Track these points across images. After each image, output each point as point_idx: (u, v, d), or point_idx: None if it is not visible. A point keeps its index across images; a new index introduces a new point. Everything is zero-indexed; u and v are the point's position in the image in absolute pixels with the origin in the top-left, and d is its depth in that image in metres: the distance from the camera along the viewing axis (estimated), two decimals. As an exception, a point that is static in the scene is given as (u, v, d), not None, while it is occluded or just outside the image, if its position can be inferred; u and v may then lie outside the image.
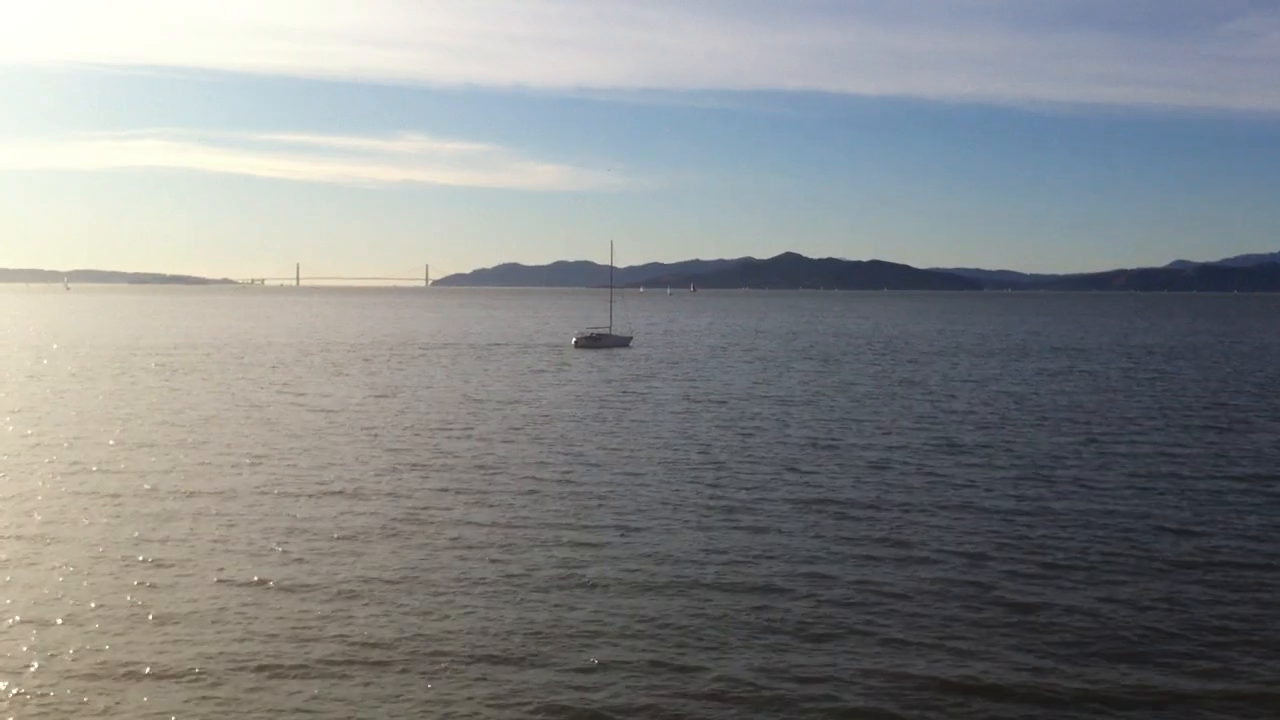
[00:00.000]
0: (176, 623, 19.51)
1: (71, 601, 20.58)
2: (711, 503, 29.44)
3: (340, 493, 30.57)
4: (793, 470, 34.31)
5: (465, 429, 43.74)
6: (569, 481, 32.38)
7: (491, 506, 28.87)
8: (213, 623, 19.53)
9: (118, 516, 27.44)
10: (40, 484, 31.49)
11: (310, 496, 30.01)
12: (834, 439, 41.19)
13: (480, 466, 34.86)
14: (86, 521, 26.86)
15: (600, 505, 29.07)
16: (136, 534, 25.64)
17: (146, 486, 31.13)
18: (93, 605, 20.36)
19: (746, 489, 31.30)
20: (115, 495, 30.02)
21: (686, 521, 27.25)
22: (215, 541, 25.01)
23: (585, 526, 26.64)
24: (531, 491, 30.85)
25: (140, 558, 23.57)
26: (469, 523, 26.93)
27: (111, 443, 39.25)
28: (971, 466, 35.23)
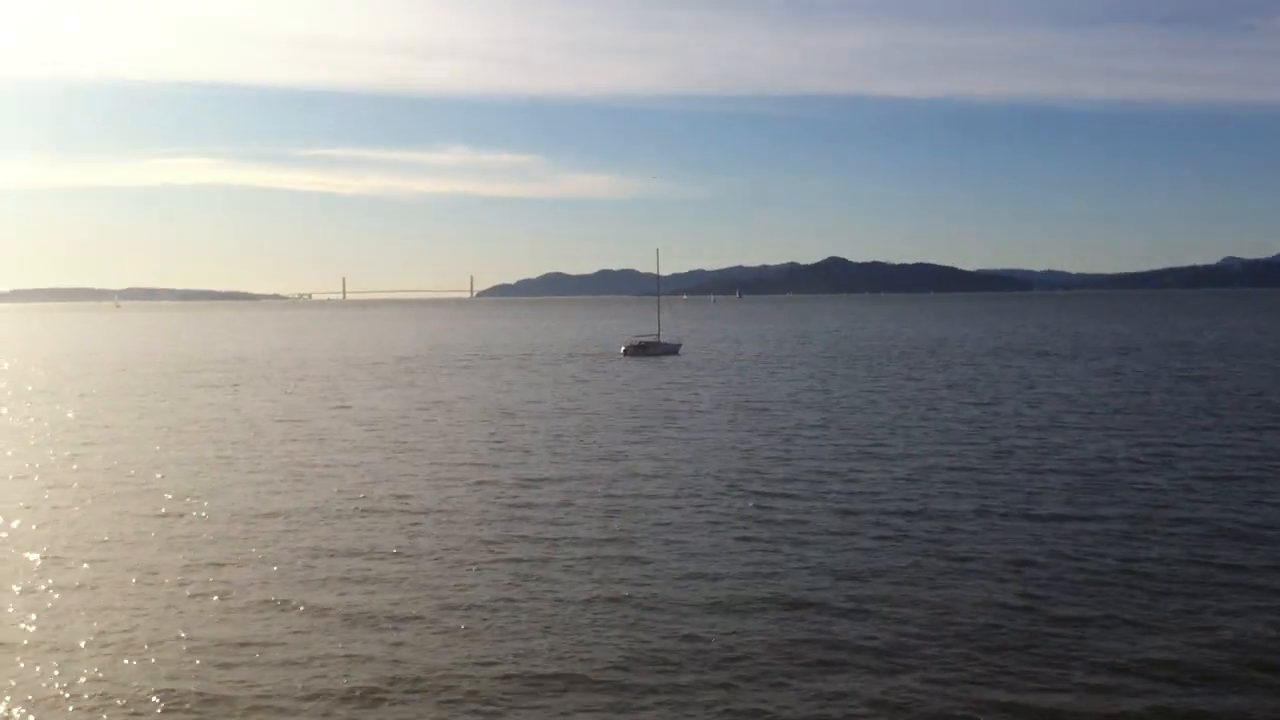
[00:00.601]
0: (225, 647, 19.56)
1: (121, 625, 20.70)
2: (771, 516, 29.22)
3: (405, 510, 30.57)
4: (842, 477, 33.98)
5: (523, 444, 43.52)
6: (632, 495, 32.21)
7: (545, 523, 28.77)
8: (264, 646, 19.57)
9: (170, 538, 27.59)
10: (84, 505, 31.77)
11: (366, 514, 30.05)
12: (906, 449, 40.78)
13: (533, 480, 34.77)
14: (137, 541, 27.04)
15: (658, 522, 28.90)
16: (187, 558, 25.76)
17: (197, 506, 31.31)
18: (146, 629, 20.47)
19: (796, 498, 31.03)
20: (164, 515, 30.22)
21: (752, 537, 27.04)
22: (264, 562, 25.09)
23: (633, 540, 26.49)
24: (591, 507, 30.69)
25: (192, 580, 23.68)
26: (529, 539, 26.85)
27: (165, 461, 39.57)
28: (1019, 472, 34.76)
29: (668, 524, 28.49)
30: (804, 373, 79.90)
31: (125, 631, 20.44)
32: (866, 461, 38.00)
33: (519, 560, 25.03)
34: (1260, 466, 35.86)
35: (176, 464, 39.37)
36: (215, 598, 22.50)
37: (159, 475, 36.98)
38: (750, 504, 30.85)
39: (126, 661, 18.94)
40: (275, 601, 22.19)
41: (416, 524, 28.94)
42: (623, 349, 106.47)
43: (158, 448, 43.73)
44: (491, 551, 25.89)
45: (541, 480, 35.05)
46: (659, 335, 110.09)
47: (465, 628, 20.45)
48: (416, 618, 21.03)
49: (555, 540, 26.86)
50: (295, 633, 20.41)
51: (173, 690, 17.66)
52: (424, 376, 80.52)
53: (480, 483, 34.80)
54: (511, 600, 22.05)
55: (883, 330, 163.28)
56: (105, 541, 27.34)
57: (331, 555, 25.81)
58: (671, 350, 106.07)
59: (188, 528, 28.92)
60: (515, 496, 32.50)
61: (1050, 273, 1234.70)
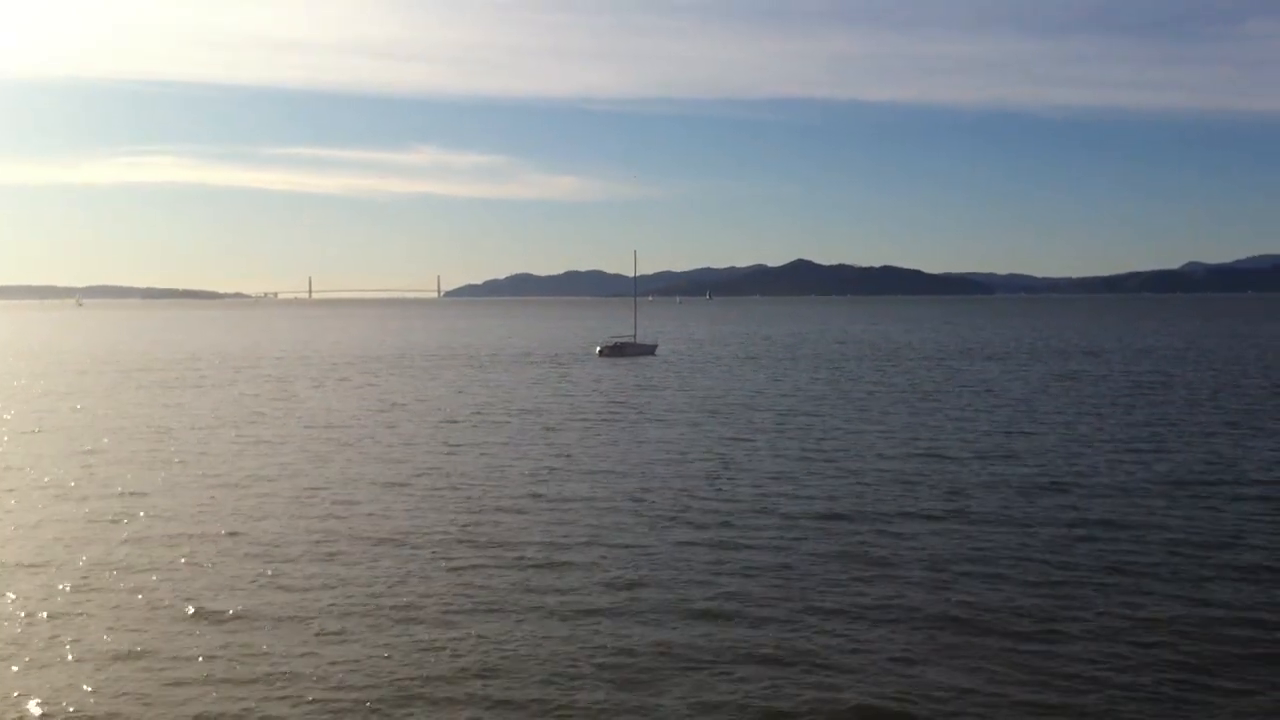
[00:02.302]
0: (146, 659, 19.01)
1: (75, 639, 20.13)
2: (773, 519, 28.88)
3: (342, 515, 29.99)
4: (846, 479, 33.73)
5: (499, 445, 42.99)
6: (615, 500, 31.84)
7: (527, 526, 28.33)
8: (186, 659, 19.02)
9: (81, 541, 26.96)
10: (33, 505, 31.05)
11: (294, 519, 29.48)
12: (895, 450, 40.58)
13: (506, 483, 34.25)
14: (51, 543, 26.41)
15: (604, 526, 28.52)
16: (92, 562, 25.14)
17: (115, 510, 30.66)
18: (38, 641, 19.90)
19: (784, 499, 30.72)
20: (87, 520, 29.54)
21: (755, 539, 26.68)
22: (170, 569, 24.50)
23: (567, 546, 26.08)
24: (575, 512, 30.24)
25: (100, 585, 23.10)
26: (494, 543, 26.40)
27: (83, 463, 38.83)
28: (968, 475, 34.60)
29: (614, 529, 28.09)
30: (778, 373, 79.55)
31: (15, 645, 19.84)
32: (864, 463, 37.75)
33: (436, 561, 24.58)
34: (1205, 474, 35.83)
35: (93, 466, 38.57)
36: (126, 604, 21.91)
37: (73, 481, 35.89)
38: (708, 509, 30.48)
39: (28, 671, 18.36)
40: (172, 608, 21.61)
41: (355, 530, 28.29)
42: (598, 349, 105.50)
43: (83, 447, 42.93)
44: (422, 557, 25.41)
45: (516, 481, 34.55)
46: (635, 336, 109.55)
47: (424, 637, 19.96)
48: (348, 619, 20.54)
49: (499, 545, 26.40)
50: (217, 643, 19.86)
51: (79, 704, 17.11)
52: (404, 377, 79.66)
53: (459, 486, 34.10)
54: (422, 608, 21.59)
55: (869, 333, 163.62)
56: (52, 544, 26.68)
57: (244, 558, 25.14)
58: (648, 350, 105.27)
59: (105, 531, 28.21)
60: (468, 501, 31.98)
61: (1014, 276, 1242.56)
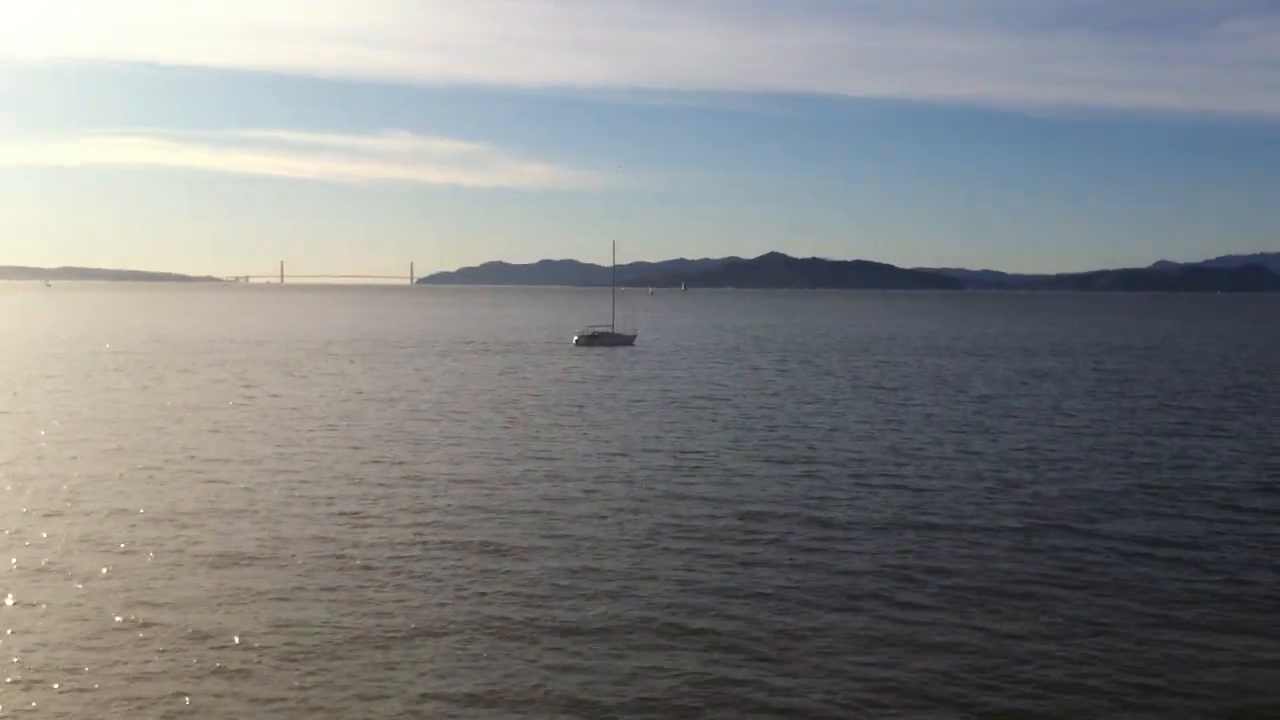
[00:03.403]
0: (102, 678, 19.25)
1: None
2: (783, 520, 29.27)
3: (355, 513, 29.87)
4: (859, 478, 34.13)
5: (485, 435, 42.46)
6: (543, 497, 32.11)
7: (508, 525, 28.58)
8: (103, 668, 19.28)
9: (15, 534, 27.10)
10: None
11: (240, 515, 29.64)
12: (908, 445, 41.02)
13: (484, 479, 34.38)
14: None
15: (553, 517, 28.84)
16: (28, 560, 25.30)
17: (58, 499, 30.78)
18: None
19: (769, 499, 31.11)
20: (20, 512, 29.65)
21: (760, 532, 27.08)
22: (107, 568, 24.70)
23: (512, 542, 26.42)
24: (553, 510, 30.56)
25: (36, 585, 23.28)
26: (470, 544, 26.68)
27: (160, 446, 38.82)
28: (922, 476, 35.11)
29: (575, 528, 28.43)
30: (758, 363, 79.82)
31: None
32: (877, 459, 38.19)
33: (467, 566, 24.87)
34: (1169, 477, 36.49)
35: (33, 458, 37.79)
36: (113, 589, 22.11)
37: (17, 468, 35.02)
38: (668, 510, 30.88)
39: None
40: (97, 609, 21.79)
41: (305, 526, 27.87)
42: (575, 338, 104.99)
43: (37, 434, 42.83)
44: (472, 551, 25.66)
45: (498, 478, 34.74)
46: (613, 325, 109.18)
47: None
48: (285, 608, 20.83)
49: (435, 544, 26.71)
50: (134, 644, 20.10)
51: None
52: (388, 365, 79.42)
53: (444, 477, 33.88)
54: (358, 611, 21.91)
55: (852, 328, 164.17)
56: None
57: (193, 558, 24.36)
58: (626, 341, 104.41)
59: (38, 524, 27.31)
60: (485, 498, 32.01)
61: (986, 273, 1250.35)
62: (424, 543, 25.50)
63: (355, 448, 39.23)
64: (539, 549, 25.03)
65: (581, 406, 52.92)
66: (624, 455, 38.27)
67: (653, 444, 40.96)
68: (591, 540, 25.95)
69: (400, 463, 36.19)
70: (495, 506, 29.47)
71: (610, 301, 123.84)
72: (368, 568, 23.37)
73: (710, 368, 78.86)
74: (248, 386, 61.32)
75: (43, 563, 23.49)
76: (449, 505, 29.59)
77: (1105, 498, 31.46)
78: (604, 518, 28.30)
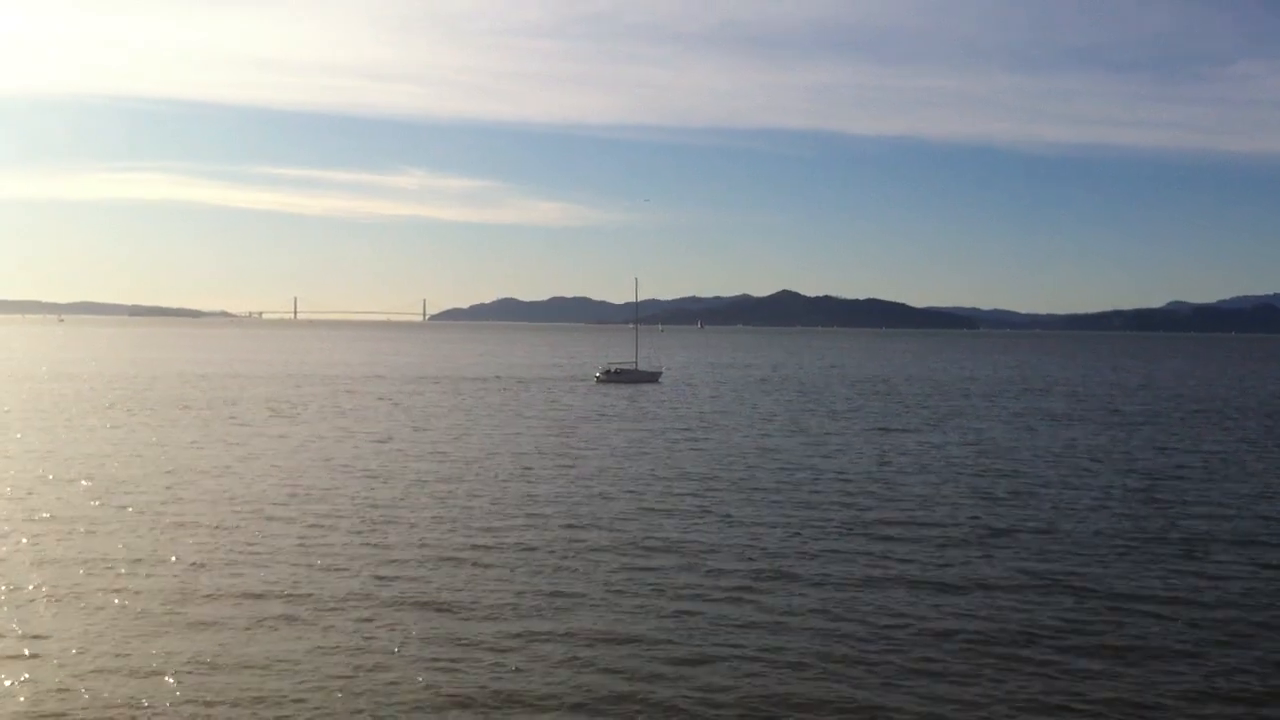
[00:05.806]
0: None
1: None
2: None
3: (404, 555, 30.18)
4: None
5: (503, 475, 41.77)
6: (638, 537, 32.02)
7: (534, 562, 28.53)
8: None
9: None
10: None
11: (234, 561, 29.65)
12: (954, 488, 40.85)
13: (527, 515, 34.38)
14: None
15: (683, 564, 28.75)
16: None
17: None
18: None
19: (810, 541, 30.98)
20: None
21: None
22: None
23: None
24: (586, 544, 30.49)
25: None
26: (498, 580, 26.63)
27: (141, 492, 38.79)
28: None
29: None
30: (782, 402, 79.45)
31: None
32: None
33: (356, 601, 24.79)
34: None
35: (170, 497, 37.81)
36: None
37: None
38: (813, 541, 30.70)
39: None
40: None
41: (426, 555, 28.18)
42: (596, 375, 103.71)
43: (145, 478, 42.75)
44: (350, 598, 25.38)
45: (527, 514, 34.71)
46: (636, 362, 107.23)
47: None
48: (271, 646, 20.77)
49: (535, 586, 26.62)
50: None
51: None
52: (417, 403, 79.38)
53: (481, 511, 34.06)
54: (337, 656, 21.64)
55: (871, 367, 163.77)
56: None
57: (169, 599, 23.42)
58: (651, 378, 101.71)
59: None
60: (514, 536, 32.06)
61: (998, 312, 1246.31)
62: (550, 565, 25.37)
63: (446, 481, 39.59)
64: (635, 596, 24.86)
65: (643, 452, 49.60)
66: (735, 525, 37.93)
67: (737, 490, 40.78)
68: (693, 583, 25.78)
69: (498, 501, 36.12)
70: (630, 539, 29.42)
71: (624, 338, 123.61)
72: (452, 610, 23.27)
73: (763, 421, 66.00)
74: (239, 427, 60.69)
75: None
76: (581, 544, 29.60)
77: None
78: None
